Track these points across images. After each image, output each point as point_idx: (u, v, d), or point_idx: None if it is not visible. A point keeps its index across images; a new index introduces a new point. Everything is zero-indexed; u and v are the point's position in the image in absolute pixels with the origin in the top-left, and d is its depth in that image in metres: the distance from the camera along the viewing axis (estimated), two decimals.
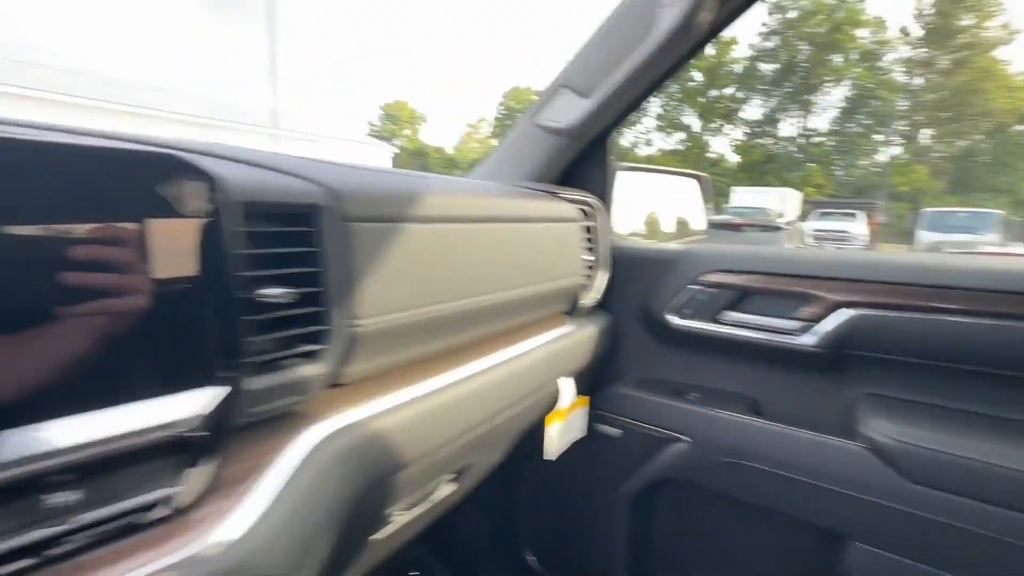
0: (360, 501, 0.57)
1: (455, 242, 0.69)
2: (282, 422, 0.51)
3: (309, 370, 0.52)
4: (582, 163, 1.15)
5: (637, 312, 1.16)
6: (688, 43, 0.82)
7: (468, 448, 0.77)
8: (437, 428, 0.66)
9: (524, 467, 1.31)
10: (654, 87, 0.96)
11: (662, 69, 0.88)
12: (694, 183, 1.58)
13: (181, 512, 0.40)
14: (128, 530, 0.38)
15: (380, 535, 0.70)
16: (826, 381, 0.99)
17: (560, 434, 1.00)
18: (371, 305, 0.57)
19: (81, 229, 0.35)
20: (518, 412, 0.87)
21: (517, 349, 0.85)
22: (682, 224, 1.61)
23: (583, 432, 1.10)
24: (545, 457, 0.99)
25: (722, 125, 37.11)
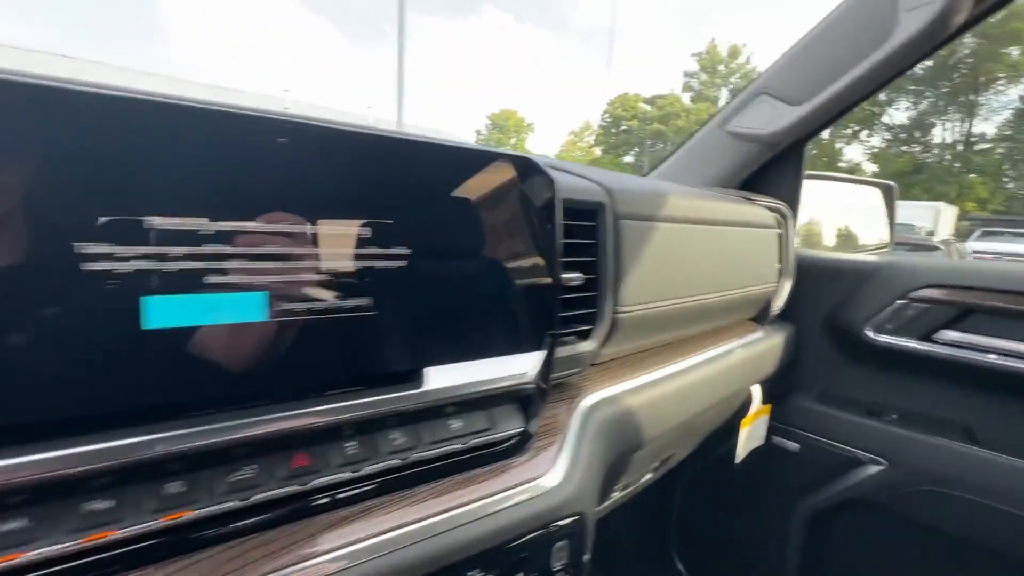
0: (607, 472, 0.63)
1: (691, 242, 0.73)
2: (563, 390, 0.59)
3: (584, 346, 0.60)
4: (771, 169, 1.14)
5: (823, 324, 1.12)
6: (930, 46, 0.79)
7: (675, 439, 0.81)
8: (666, 413, 0.71)
9: (687, 471, 1.31)
10: (874, 93, 0.93)
11: (890, 74, 0.85)
12: (878, 192, 1.48)
13: (522, 451, 0.49)
14: (489, 457, 0.47)
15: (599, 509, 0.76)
16: None
17: (746, 440, 1.00)
18: (630, 295, 0.63)
19: (490, 222, 0.45)
20: (716, 411, 0.90)
21: (721, 349, 0.87)
22: (864, 235, 1.51)
23: (762, 441, 1.09)
24: (736, 461, 1.00)
25: (858, 131, 33.34)
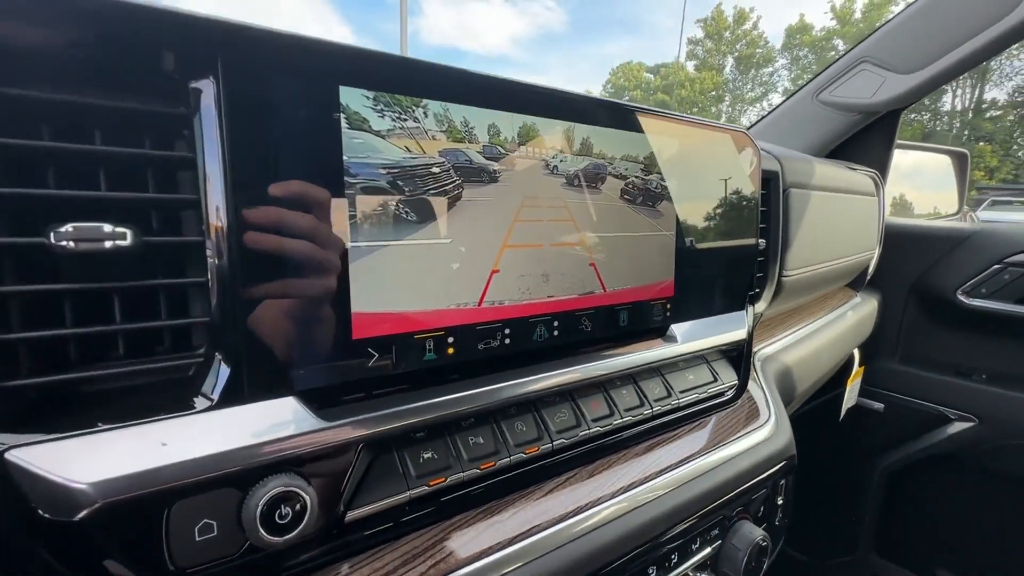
0: None
1: (831, 209, 0.77)
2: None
3: (759, 307, 0.64)
4: (861, 137, 1.16)
5: (910, 288, 1.16)
6: None
7: (799, 397, 0.86)
8: (809, 369, 0.76)
9: None
10: (988, 59, 0.94)
11: (1015, 42, 0.87)
12: (948, 159, 1.50)
13: (737, 401, 0.53)
14: (716, 407, 0.51)
15: None
16: None
17: (847, 399, 1.05)
18: (793, 259, 0.67)
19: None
20: (827, 373, 0.95)
21: (836, 312, 0.91)
22: (932, 203, 1.53)
23: (854, 401, 1.14)
24: (841, 419, 1.05)
25: None
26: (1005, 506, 1.08)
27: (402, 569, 0.29)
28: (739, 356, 0.54)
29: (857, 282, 1.08)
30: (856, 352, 1.04)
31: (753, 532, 0.44)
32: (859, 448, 1.23)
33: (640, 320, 0.44)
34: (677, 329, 0.47)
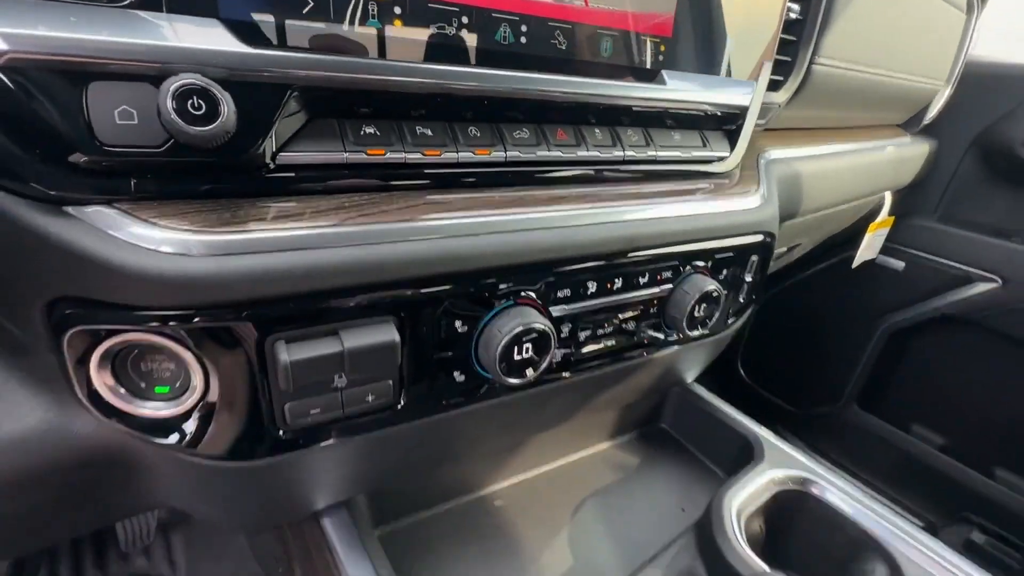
0: None
1: (902, 4, 0.65)
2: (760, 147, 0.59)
3: (775, 96, 0.58)
4: None
5: (973, 140, 1.03)
6: None
7: (812, 225, 0.82)
8: (823, 187, 0.71)
9: (779, 281, 1.36)
10: None
11: None
12: None
13: (730, 177, 0.51)
14: (703, 173, 0.49)
15: None
16: None
17: (867, 245, 1.01)
18: (830, 46, 0.59)
19: None
20: (851, 210, 0.89)
21: (874, 143, 0.83)
22: None
23: (876, 253, 1.09)
24: (854, 264, 1.02)
25: None
26: (999, 370, 1.08)
27: (338, 212, 0.30)
28: (736, 129, 0.50)
29: (912, 123, 0.97)
30: (888, 198, 0.96)
31: (706, 283, 0.44)
32: (866, 308, 1.21)
33: (625, 53, 0.40)
34: (669, 76, 0.43)
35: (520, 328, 0.34)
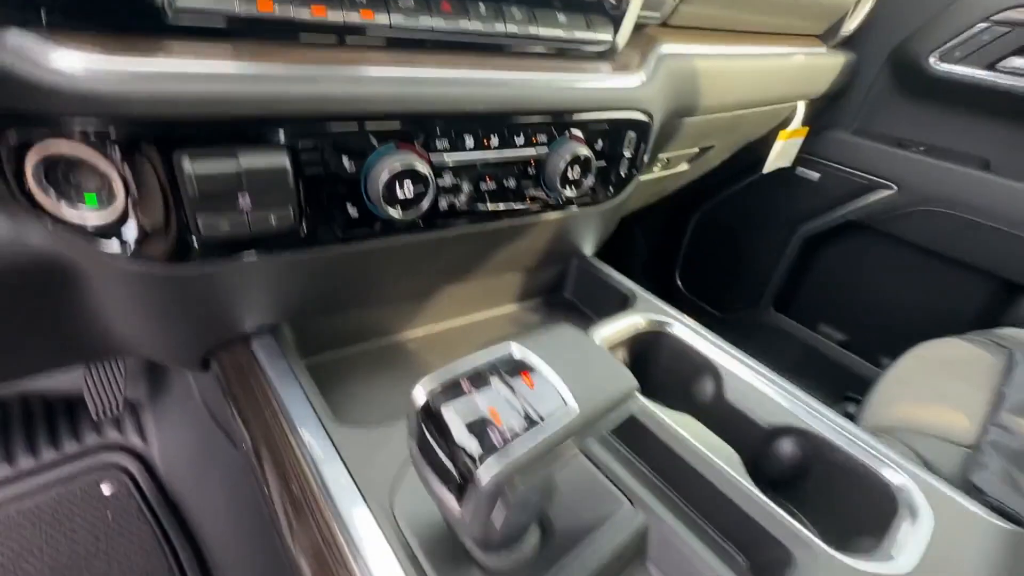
0: (662, 124, 0.72)
1: None
2: (642, 37, 0.64)
3: None
4: None
5: (889, 55, 1.10)
6: None
7: (721, 127, 0.89)
8: (723, 87, 0.77)
9: (705, 198, 1.45)
10: None
11: None
12: None
13: (612, 58, 0.57)
14: (587, 53, 0.55)
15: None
16: None
17: (777, 155, 1.09)
18: None
19: None
20: (761, 114, 0.96)
21: (785, 49, 0.89)
22: None
23: (790, 162, 1.18)
24: (764, 170, 1.11)
25: None
26: (891, 270, 1.21)
27: (237, 52, 0.36)
28: (621, 15, 0.55)
29: (830, 34, 1.02)
30: (801, 107, 1.04)
31: (579, 148, 0.52)
32: (786, 219, 1.32)
33: None
34: None
35: (400, 167, 0.41)
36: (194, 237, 0.38)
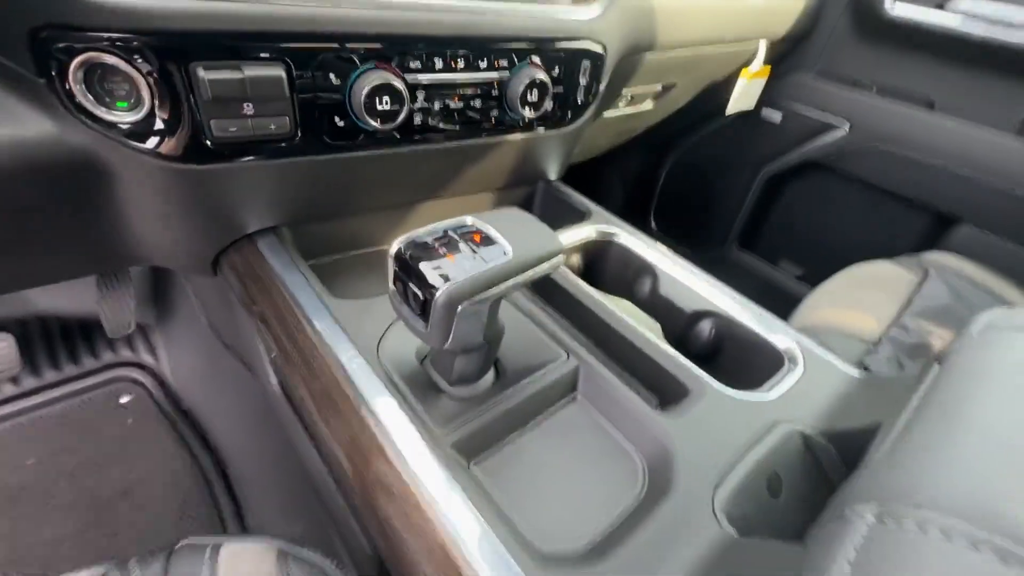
0: (619, 62, 0.79)
1: None
2: None
3: None
4: None
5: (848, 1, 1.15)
6: None
7: (681, 65, 0.96)
8: (680, 23, 0.84)
9: (675, 144, 1.53)
10: None
11: None
12: None
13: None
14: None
15: (607, 114, 0.96)
16: None
17: (739, 95, 1.16)
18: None
19: None
20: (722, 57, 1.03)
21: None
22: None
23: (751, 105, 1.25)
24: (727, 111, 1.18)
25: None
26: (845, 206, 1.31)
27: None
28: None
29: None
30: (762, 47, 1.10)
31: (537, 73, 0.59)
32: (750, 161, 1.40)
33: None
34: None
35: (378, 81, 0.49)
36: (206, 138, 0.46)
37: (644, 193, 1.71)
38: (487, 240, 0.38)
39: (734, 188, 1.48)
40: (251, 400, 0.91)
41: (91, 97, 0.42)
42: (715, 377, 0.50)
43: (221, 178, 0.50)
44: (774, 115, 1.31)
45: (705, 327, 0.60)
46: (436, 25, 0.52)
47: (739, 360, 0.58)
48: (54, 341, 1.03)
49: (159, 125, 0.44)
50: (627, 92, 0.94)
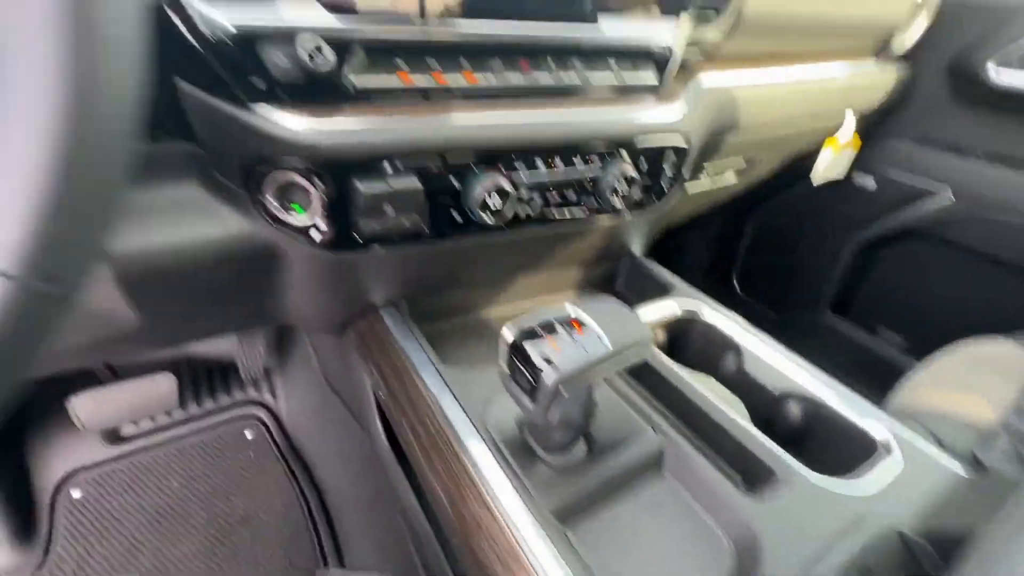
0: (705, 140, 0.84)
1: None
2: (685, 70, 0.78)
3: (707, 32, 0.76)
4: None
5: (948, 65, 1.13)
6: None
7: (765, 141, 0.99)
8: (764, 106, 0.88)
9: (760, 204, 1.52)
10: None
11: None
12: None
13: (657, 96, 0.70)
14: (633, 93, 0.69)
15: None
16: None
17: (828, 164, 1.16)
18: None
19: None
20: (808, 131, 1.05)
21: (829, 65, 0.97)
22: None
23: (842, 175, 1.24)
24: (812, 177, 1.18)
25: None
26: (951, 276, 1.23)
27: (393, 113, 0.54)
28: (665, 61, 0.69)
29: (880, 51, 1.08)
30: (850, 119, 1.10)
31: (627, 169, 0.66)
32: (841, 226, 1.36)
33: (569, 5, 0.60)
34: (603, 18, 0.63)
35: (491, 185, 0.58)
36: (356, 233, 0.57)
37: (726, 254, 1.70)
38: (586, 329, 0.44)
39: (824, 253, 1.44)
40: (355, 445, 1.01)
41: (278, 205, 0.55)
42: (804, 461, 0.51)
43: (361, 263, 0.61)
44: (867, 180, 1.28)
45: (793, 409, 0.61)
46: (541, 137, 0.61)
47: (829, 445, 0.58)
48: (199, 380, 1.22)
49: (323, 224, 0.56)
50: (709, 167, 0.99)
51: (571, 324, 0.44)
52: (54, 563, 0.93)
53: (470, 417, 0.53)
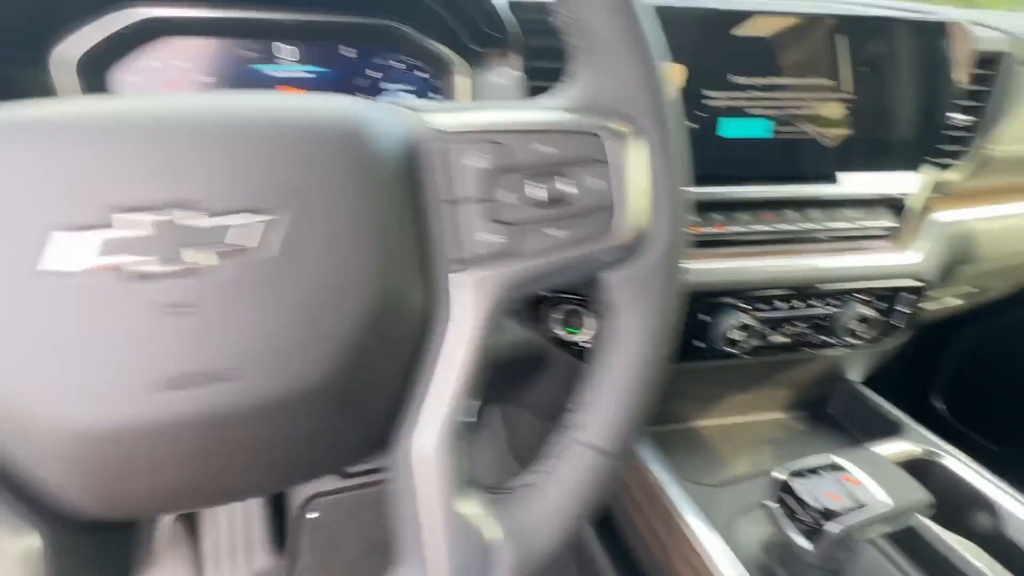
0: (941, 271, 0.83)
1: None
2: (924, 209, 0.79)
3: (948, 175, 0.77)
4: None
5: None
6: None
7: (1000, 271, 0.94)
8: (995, 245, 0.85)
9: (973, 317, 1.37)
10: None
11: None
12: None
13: (893, 239, 0.74)
14: (869, 239, 0.73)
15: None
16: None
17: None
18: (1007, 134, 0.76)
19: None
20: None
21: None
22: None
23: None
24: None
25: None
26: None
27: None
28: (902, 207, 0.73)
29: None
30: None
31: (862, 309, 0.69)
32: None
33: (810, 163, 0.68)
34: (840, 175, 0.70)
35: (735, 324, 0.66)
36: None
37: (925, 368, 1.54)
38: (863, 482, 0.48)
39: None
40: None
41: (559, 327, 0.68)
42: None
43: None
44: None
45: None
46: (784, 281, 0.68)
47: None
48: None
49: (587, 341, 0.68)
50: (934, 293, 0.96)
51: (845, 479, 0.49)
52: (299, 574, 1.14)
53: (725, 541, 0.58)
